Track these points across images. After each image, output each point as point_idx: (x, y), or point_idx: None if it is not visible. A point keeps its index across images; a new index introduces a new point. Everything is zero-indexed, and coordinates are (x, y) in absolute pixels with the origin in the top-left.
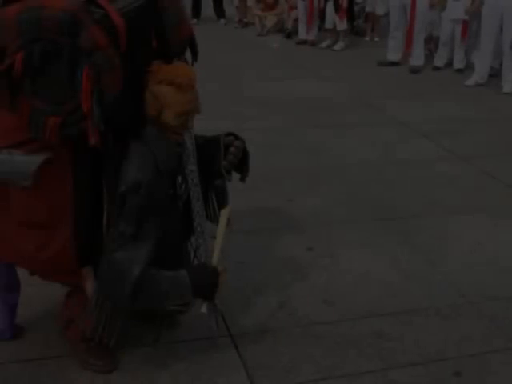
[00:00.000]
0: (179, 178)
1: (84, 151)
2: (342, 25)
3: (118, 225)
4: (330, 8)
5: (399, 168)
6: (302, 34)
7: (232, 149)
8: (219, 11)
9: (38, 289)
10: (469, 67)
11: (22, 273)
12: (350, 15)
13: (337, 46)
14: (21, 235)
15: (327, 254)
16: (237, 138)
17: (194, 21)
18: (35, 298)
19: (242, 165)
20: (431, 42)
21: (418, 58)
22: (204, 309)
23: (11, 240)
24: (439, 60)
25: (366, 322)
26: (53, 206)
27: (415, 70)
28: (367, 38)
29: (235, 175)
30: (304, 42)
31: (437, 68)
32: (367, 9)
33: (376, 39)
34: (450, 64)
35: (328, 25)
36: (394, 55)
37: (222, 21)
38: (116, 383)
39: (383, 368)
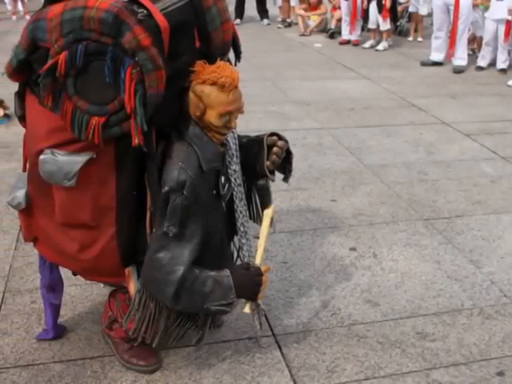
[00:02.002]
0: (222, 178)
1: (127, 151)
2: (386, 25)
3: (162, 225)
4: (373, 8)
5: (442, 168)
6: (345, 34)
7: (275, 149)
8: (262, 11)
9: (81, 289)
10: None
11: (65, 273)
12: (393, 15)
13: (380, 46)
14: (64, 235)
15: (370, 254)
16: (280, 138)
17: (238, 21)
18: (78, 299)
19: (285, 165)
20: (474, 42)
21: (461, 59)
22: (247, 309)
23: (55, 240)
24: (482, 60)
25: (409, 322)
26: (96, 206)
27: (458, 70)
28: (410, 38)
29: (278, 175)
30: (347, 42)
31: (480, 68)
32: (410, 9)
33: (419, 39)
34: (493, 64)
35: (371, 25)
36: (437, 55)
37: (265, 21)
38: (159, 383)
39: (426, 368)
